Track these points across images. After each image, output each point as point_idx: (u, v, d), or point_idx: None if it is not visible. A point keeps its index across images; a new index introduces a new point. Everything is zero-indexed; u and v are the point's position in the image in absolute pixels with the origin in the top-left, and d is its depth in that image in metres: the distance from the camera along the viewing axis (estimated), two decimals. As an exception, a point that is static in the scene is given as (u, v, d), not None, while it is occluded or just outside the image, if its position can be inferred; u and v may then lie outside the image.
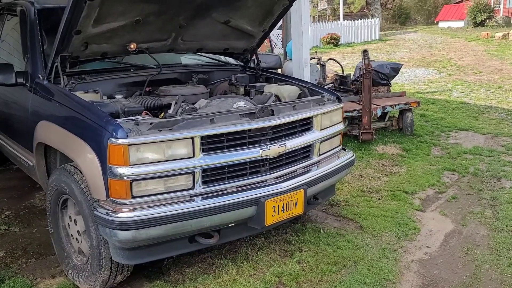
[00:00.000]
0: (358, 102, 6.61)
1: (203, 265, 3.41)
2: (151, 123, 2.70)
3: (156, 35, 3.59)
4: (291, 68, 7.77)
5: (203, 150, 2.81)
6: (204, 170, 2.84)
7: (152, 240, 2.74)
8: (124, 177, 2.60)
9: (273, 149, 3.06)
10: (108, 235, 2.67)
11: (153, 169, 2.66)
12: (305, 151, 3.42)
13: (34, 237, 3.99)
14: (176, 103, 3.28)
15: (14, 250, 3.78)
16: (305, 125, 3.38)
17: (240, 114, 3.02)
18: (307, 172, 3.34)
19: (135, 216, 2.59)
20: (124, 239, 2.63)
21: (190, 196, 2.81)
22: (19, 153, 3.97)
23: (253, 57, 4.41)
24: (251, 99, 3.94)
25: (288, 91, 3.94)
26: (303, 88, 3.99)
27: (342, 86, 7.83)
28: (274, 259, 3.46)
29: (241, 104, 3.34)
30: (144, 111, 3.09)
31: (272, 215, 3.02)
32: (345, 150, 3.89)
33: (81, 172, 2.87)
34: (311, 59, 8.91)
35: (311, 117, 3.40)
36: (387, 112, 6.78)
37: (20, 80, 3.51)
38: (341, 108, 3.73)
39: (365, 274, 3.24)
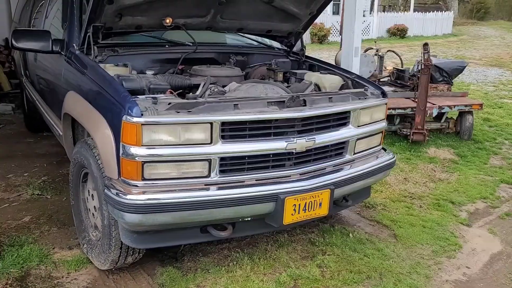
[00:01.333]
0: (413, 99, 6.15)
1: (218, 256, 3.26)
2: (169, 103, 2.55)
3: (194, 10, 3.42)
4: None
5: (222, 137, 2.62)
6: (222, 159, 2.65)
7: (160, 227, 2.61)
8: (136, 158, 2.47)
9: (300, 143, 2.81)
10: (116, 215, 2.57)
11: (167, 152, 2.51)
12: (338, 148, 3.14)
13: (62, 206, 4.02)
14: (204, 84, 3.10)
15: (40, 216, 3.82)
16: (341, 119, 3.10)
17: (268, 102, 2.80)
18: (338, 171, 3.07)
19: (143, 200, 2.46)
20: (131, 222, 2.52)
21: (205, 185, 2.64)
22: (52, 121, 3.99)
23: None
24: (288, 86, 3.70)
25: (329, 81, 3.65)
26: (347, 79, 3.68)
27: (399, 80, 7.35)
28: (293, 259, 3.24)
29: (274, 91, 3.11)
30: (169, 90, 2.94)
31: (292, 214, 2.79)
32: (385, 150, 3.56)
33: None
34: (368, 49, 8.48)
35: (348, 112, 3.10)
36: (444, 113, 6.26)
37: (56, 48, 3.47)
38: (385, 104, 3.40)
39: (389, 289, 2.95)
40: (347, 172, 3.09)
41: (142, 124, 2.43)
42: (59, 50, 3.49)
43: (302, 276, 3.04)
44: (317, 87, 3.64)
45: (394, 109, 5.90)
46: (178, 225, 2.65)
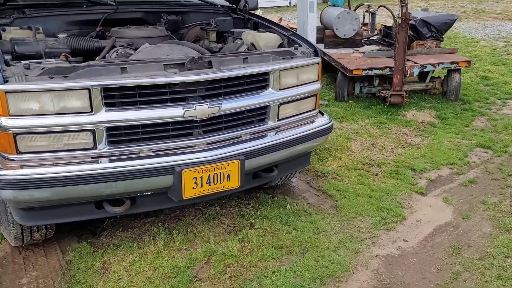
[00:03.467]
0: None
1: (138, 231, 3.09)
2: (43, 68, 2.31)
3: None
4: (330, 15, 6.95)
5: (106, 105, 2.38)
6: (110, 128, 2.42)
7: (43, 203, 2.43)
8: (8, 130, 2.27)
9: (202, 110, 2.55)
10: (-5, 192, 2.40)
11: (41, 122, 2.29)
12: (258, 114, 2.87)
13: None
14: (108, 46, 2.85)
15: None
16: (257, 82, 2.80)
17: (165, 64, 2.53)
18: (253, 139, 2.79)
19: (15, 175, 2.27)
20: (6, 199, 2.35)
21: (92, 157, 2.43)
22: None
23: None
24: (220, 47, 3.41)
25: (264, 39, 3.33)
26: (285, 38, 3.35)
27: (386, 38, 6.88)
28: (216, 234, 3.04)
29: (181, 52, 2.82)
30: (63, 54, 2.70)
31: (193, 188, 2.56)
32: (322, 114, 3.25)
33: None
34: (359, 6, 7.95)
35: (266, 73, 2.80)
36: (428, 72, 5.80)
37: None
38: (317, 64, 3.06)
39: (308, 266, 2.72)
40: (264, 141, 2.82)
41: (6, 92, 2.21)
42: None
43: (218, 252, 2.84)
44: (253, 47, 3.34)
45: (371, 69, 5.50)
46: (65, 201, 2.46)
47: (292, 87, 2.95)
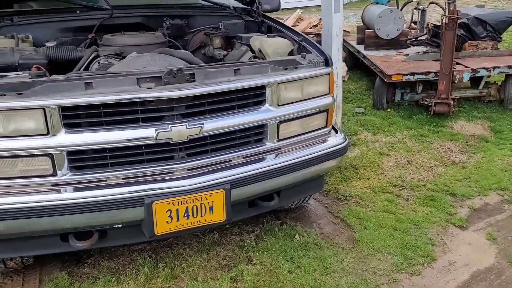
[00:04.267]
0: (441, 62, 5.05)
1: (123, 261, 2.78)
2: (-3, 85, 2.04)
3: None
4: (372, 13, 6.37)
5: (66, 125, 2.07)
6: (72, 152, 2.11)
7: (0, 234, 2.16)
8: (-45, 153, 2.02)
9: (178, 131, 2.17)
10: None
11: (-9, 145, 2.02)
12: (253, 134, 2.45)
13: None
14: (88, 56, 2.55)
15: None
16: (251, 98, 2.39)
17: (139, 78, 2.17)
18: (249, 163, 2.38)
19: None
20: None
21: (52, 185, 2.13)
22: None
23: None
24: (225, 55, 3.03)
25: (273, 45, 2.91)
26: (295, 43, 2.91)
27: (436, 39, 6.18)
28: (207, 269, 2.66)
29: (164, 63, 2.46)
30: (35, 66, 2.42)
31: (168, 222, 2.19)
32: (336, 132, 2.78)
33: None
34: (408, 3, 7.25)
35: (262, 87, 2.38)
36: (481, 77, 5.08)
37: None
38: (328, 74, 2.59)
39: (306, 319, 2.27)
40: (260, 165, 2.39)
41: (-51, 112, 1.95)
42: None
43: (203, 293, 2.46)
44: (262, 54, 2.93)
45: (413, 74, 4.89)
46: (22, 235, 2.17)
47: (295, 102, 2.50)
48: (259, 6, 3.38)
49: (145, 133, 2.14)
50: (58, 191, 2.12)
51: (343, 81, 5.77)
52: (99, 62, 2.60)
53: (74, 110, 2.07)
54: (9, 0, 2.86)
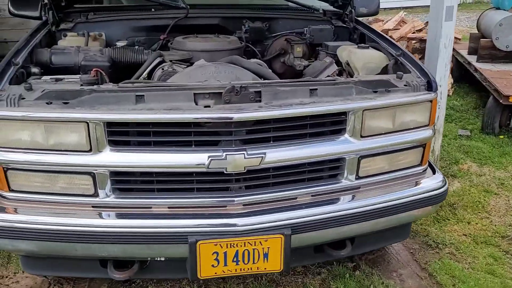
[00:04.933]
0: None
1: None
2: (43, 90, 1.85)
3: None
4: (491, 20, 5.53)
5: (111, 143, 1.82)
6: (116, 173, 1.86)
7: (33, 253, 1.99)
8: (-2, 163, 1.87)
9: (234, 160, 1.82)
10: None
11: (30, 158, 1.83)
12: (326, 169, 2.03)
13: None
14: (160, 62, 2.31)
15: None
16: (328, 125, 1.97)
17: (196, 94, 1.86)
18: (317, 204, 1.97)
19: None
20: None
21: (92, 206, 1.90)
22: None
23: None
24: (306, 66, 2.64)
25: (365, 59, 2.45)
26: (391, 58, 2.42)
27: None
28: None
29: (230, 76, 2.12)
30: (94, 69, 2.22)
31: (213, 265, 1.86)
32: (434, 171, 2.25)
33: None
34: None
35: (342, 113, 1.94)
36: None
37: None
38: (430, 102, 2.08)
39: None
40: (330, 208, 1.97)
41: (-10, 118, 1.79)
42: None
43: None
44: (349, 67, 2.49)
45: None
46: (56, 256, 1.98)
47: (384, 133, 2.03)
48: (353, 10, 2.92)
49: (196, 159, 1.82)
50: (100, 215, 1.89)
51: (447, 95, 5.05)
52: (163, 69, 2.34)
53: (120, 126, 1.82)
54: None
